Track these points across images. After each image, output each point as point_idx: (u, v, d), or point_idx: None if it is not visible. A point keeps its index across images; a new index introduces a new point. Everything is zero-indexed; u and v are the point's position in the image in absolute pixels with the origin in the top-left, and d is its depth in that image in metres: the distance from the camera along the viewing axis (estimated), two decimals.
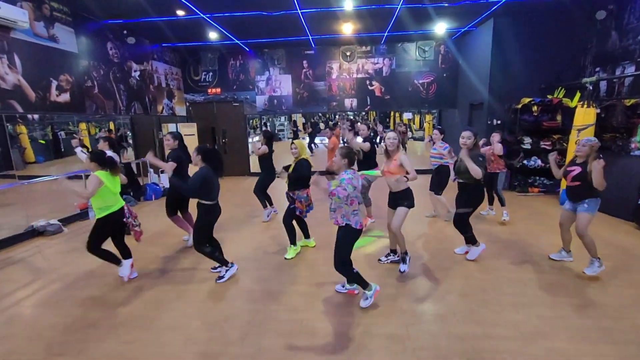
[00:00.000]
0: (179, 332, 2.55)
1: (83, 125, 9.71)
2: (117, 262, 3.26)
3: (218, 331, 2.55)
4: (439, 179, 4.70)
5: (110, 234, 3.22)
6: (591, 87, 5.45)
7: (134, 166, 7.00)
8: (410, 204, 3.21)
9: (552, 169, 3.49)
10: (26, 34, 4.69)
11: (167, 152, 4.09)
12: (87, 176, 5.56)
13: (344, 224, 2.62)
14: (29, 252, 4.22)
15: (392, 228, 3.24)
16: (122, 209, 3.21)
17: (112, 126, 9.25)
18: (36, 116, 5.85)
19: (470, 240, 3.51)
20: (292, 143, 3.77)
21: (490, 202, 5.12)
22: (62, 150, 10.33)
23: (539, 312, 2.68)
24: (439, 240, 4.19)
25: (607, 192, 3.16)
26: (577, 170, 3.09)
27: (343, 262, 2.67)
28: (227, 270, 3.31)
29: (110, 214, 3.10)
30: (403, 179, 3.12)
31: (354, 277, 2.70)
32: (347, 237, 2.65)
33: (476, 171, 3.10)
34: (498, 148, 4.71)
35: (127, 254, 3.34)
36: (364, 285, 2.73)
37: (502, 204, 4.79)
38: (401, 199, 3.21)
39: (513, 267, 3.47)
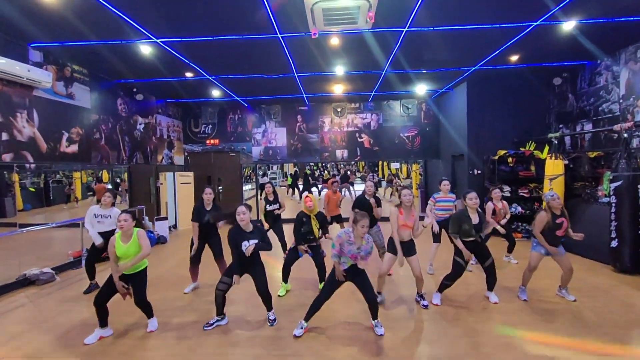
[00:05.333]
0: None
1: (77, 174, 9.82)
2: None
3: None
4: (442, 231, 4.73)
5: None
6: (557, 142, 6.10)
7: None
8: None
9: (535, 235, 3.70)
10: (47, 92, 5.13)
11: (207, 207, 4.22)
12: (82, 224, 5.59)
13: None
14: (19, 302, 4.13)
15: (416, 274, 3.66)
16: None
17: (105, 175, 9.43)
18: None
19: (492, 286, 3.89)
20: (310, 199, 3.93)
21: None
22: (51, 198, 10.29)
23: (527, 350, 2.81)
24: (425, 285, 4.29)
25: (585, 237, 3.56)
26: (566, 221, 3.61)
27: None
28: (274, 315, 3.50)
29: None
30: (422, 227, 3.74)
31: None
32: None
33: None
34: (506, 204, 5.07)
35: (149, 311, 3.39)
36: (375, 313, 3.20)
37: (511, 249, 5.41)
38: (412, 247, 3.69)
39: (503, 308, 3.62)
